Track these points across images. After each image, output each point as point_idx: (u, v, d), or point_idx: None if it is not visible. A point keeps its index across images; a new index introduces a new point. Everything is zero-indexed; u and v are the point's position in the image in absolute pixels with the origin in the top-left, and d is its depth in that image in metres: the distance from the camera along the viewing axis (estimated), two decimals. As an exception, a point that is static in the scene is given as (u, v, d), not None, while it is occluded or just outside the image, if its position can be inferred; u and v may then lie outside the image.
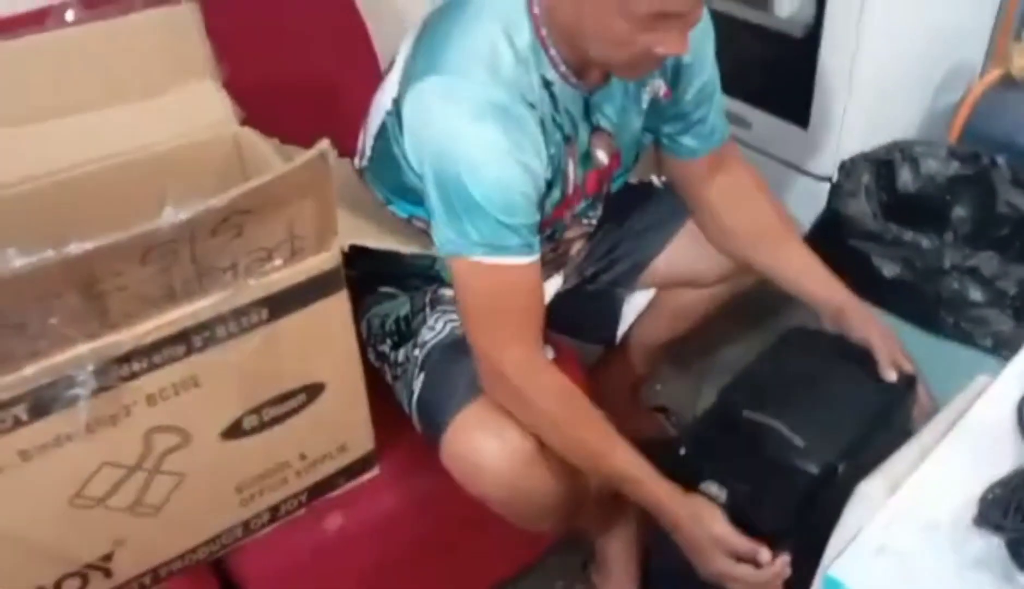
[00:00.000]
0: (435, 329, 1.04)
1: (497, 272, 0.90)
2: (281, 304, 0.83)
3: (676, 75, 1.06)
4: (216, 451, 0.86)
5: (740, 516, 0.89)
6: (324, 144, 0.77)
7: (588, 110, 1.00)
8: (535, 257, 0.92)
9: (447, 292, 1.07)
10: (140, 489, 0.83)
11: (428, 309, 1.06)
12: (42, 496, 0.79)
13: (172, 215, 0.68)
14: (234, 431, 0.87)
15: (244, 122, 1.01)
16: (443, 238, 0.91)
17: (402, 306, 1.07)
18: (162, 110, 0.99)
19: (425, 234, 1.00)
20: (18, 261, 0.63)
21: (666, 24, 0.85)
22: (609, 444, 0.93)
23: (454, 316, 1.05)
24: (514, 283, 0.92)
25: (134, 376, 0.77)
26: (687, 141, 1.12)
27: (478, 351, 0.93)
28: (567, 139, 0.98)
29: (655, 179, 1.25)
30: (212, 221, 0.71)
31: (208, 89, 1.01)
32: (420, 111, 0.89)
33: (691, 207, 1.18)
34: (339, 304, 0.88)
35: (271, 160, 0.94)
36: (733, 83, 1.67)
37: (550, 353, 1.11)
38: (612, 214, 1.20)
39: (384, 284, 1.10)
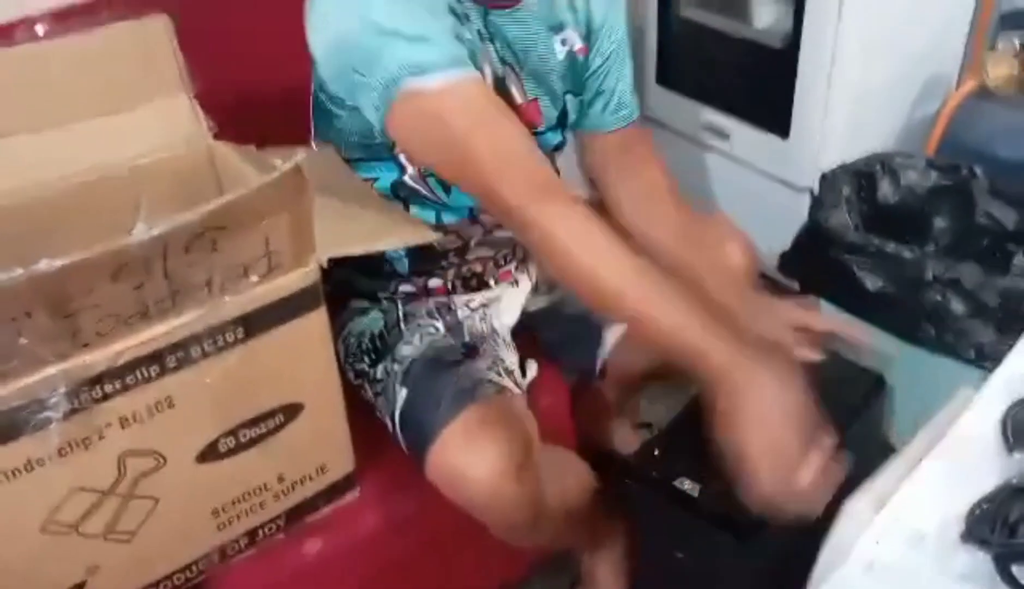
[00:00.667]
0: (412, 343, 1.04)
1: (443, 98, 0.85)
2: (258, 322, 0.81)
3: (588, 30, 1.07)
4: (192, 474, 0.84)
5: (714, 510, 0.91)
6: (299, 156, 0.76)
7: (490, 30, 0.99)
8: (474, 72, 0.89)
9: (420, 307, 1.07)
10: (114, 514, 0.81)
11: (403, 324, 1.06)
12: (13, 522, 0.77)
13: (144, 231, 0.66)
14: (210, 453, 0.85)
15: (217, 135, 1.00)
16: (369, 102, 0.87)
17: (375, 322, 1.07)
18: (135, 124, 0.97)
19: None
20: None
21: None
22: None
23: (431, 329, 1.05)
24: (477, 112, 0.87)
25: (107, 397, 0.75)
26: (595, 111, 1.12)
27: (503, 210, 0.86)
28: (480, 37, 0.98)
29: None
30: (185, 236, 0.70)
31: (181, 102, 0.99)
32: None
33: (604, 202, 1.15)
34: (317, 321, 0.86)
35: (246, 173, 0.93)
36: (712, 94, 1.70)
37: (533, 369, 1.10)
38: None
39: (355, 296, 1.09)
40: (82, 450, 0.76)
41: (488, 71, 0.99)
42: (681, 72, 1.72)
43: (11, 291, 0.64)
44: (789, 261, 1.31)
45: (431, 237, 0.94)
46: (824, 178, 1.31)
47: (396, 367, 1.02)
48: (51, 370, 0.71)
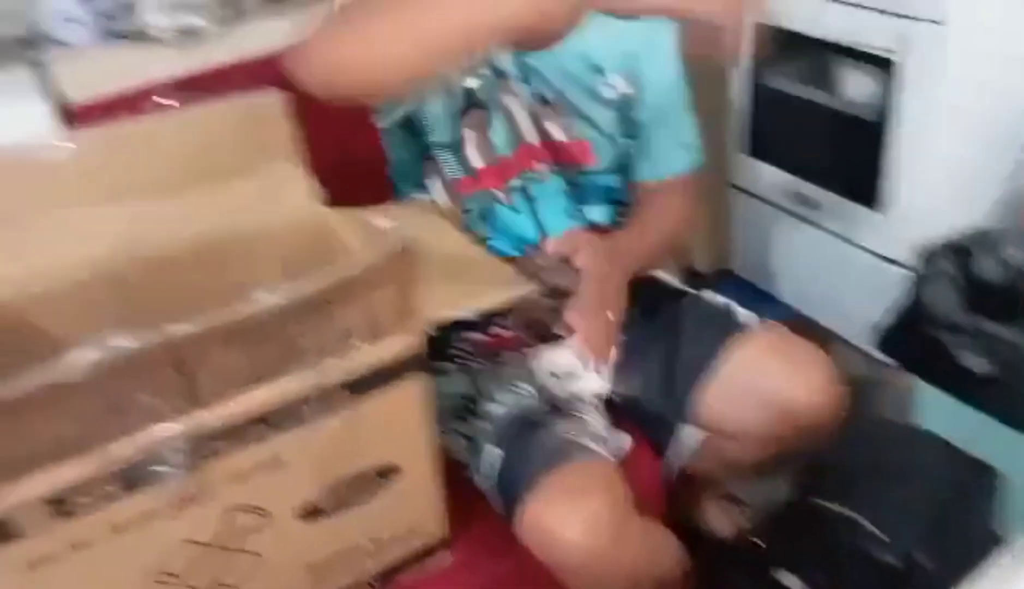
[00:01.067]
0: (500, 402, 1.05)
1: None
2: (362, 386, 0.83)
3: (633, 76, 1.11)
4: (292, 531, 0.86)
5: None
6: (405, 229, 0.79)
7: (523, 70, 1.07)
8: None
9: (502, 369, 1.10)
10: (218, 567, 0.84)
11: (490, 384, 1.08)
12: (123, 572, 0.79)
13: (266, 298, 0.70)
14: (310, 511, 0.87)
15: (327, 202, 1.04)
16: None
17: (459, 383, 1.09)
18: (246, 192, 1.02)
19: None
20: (119, 342, 0.65)
21: None
22: None
23: (517, 390, 1.07)
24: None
25: (219, 454, 0.78)
26: (636, 159, 1.17)
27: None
28: (501, 74, 1.07)
29: (685, 287, 1.24)
30: (302, 305, 0.73)
31: (292, 170, 1.04)
32: None
33: None
34: (419, 386, 0.88)
35: (355, 242, 0.96)
36: (802, 164, 1.69)
37: (626, 442, 1.10)
38: (642, 318, 1.18)
39: (435, 357, 1.11)
40: (192, 504, 0.79)
41: (512, 105, 1.08)
42: (770, 142, 1.73)
43: (143, 354, 0.67)
44: (889, 340, 1.29)
45: (528, 289, 0.97)
46: (923, 254, 1.29)
47: (488, 426, 1.03)
48: (171, 427, 0.74)
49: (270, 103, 1.03)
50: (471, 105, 1.11)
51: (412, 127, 1.14)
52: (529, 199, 1.16)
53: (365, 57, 0.86)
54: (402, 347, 0.85)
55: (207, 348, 0.71)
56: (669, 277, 1.27)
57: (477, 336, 1.13)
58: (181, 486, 0.77)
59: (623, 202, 1.22)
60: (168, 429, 0.74)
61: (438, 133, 1.13)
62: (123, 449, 0.73)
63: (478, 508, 1.00)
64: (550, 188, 1.16)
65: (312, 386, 0.80)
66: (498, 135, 1.12)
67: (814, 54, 1.61)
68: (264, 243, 1.02)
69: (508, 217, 1.16)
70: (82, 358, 0.64)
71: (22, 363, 0.92)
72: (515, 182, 1.15)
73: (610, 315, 1.09)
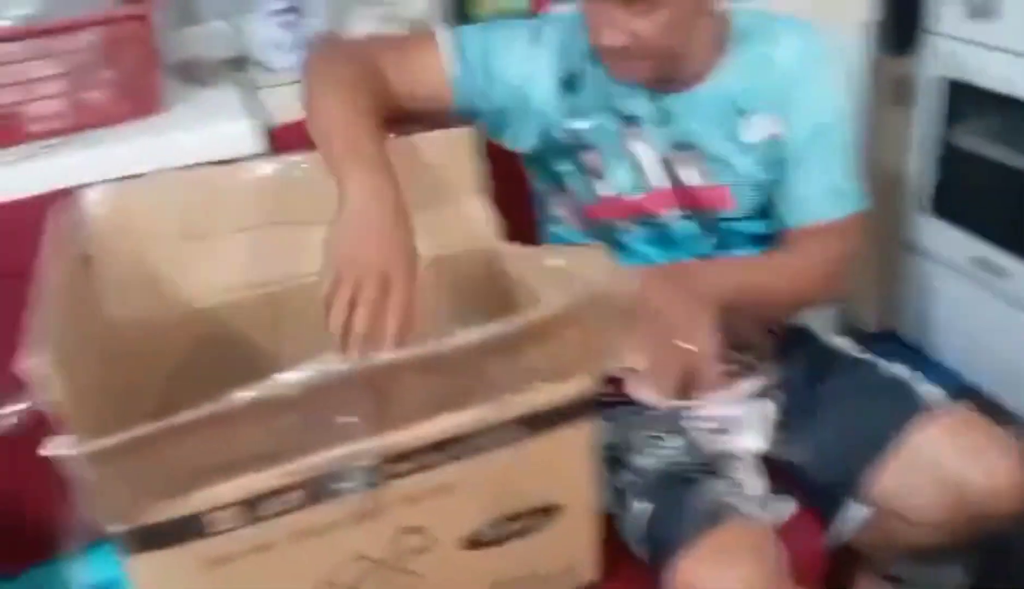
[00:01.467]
0: (648, 455, 1.04)
1: None
2: (539, 424, 0.84)
3: (783, 114, 1.06)
4: (454, 557, 0.88)
5: None
6: (600, 277, 0.80)
7: (661, 114, 1.06)
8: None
9: (650, 420, 1.07)
10: (382, 584, 0.86)
11: (637, 435, 1.06)
12: (298, 578, 0.83)
13: (466, 335, 0.72)
14: (473, 541, 0.88)
15: (504, 236, 1.06)
16: None
17: (605, 431, 1.06)
18: (431, 223, 1.05)
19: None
20: (329, 364, 0.69)
21: (598, 7, 0.95)
22: None
23: (666, 443, 1.05)
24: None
25: (399, 476, 0.81)
26: (779, 201, 1.10)
27: None
28: (631, 121, 1.06)
29: (858, 353, 1.17)
30: (498, 344, 0.75)
31: (476, 204, 1.07)
32: None
33: None
34: (589, 428, 0.89)
35: (528, 278, 0.98)
36: (989, 227, 1.60)
37: (788, 507, 1.06)
38: (810, 379, 1.13)
39: None
40: (368, 521, 0.82)
41: (639, 151, 1.06)
42: (954, 203, 1.64)
43: (348, 377, 0.71)
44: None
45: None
46: None
47: (637, 479, 1.02)
48: (358, 446, 0.78)
49: (461, 136, 1.07)
50: (582, 146, 1.10)
51: (542, 157, 1.15)
52: (656, 237, 1.14)
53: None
54: (580, 390, 0.85)
55: (405, 376, 0.74)
56: (840, 339, 1.22)
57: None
58: (361, 502, 0.80)
59: (772, 245, 1.15)
60: (356, 448, 0.77)
61: (560, 163, 1.13)
62: (313, 462, 0.77)
63: (623, 555, 0.99)
64: (680, 230, 1.12)
65: (491, 420, 0.82)
66: (622, 180, 1.10)
67: (1008, 113, 1.53)
68: (437, 271, 1.06)
69: (634, 251, 1.14)
70: (295, 378, 0.68)
71: (218, 367, 0.99)
72: (641, 220, 1.13)
73: (684, 344, 0.91)
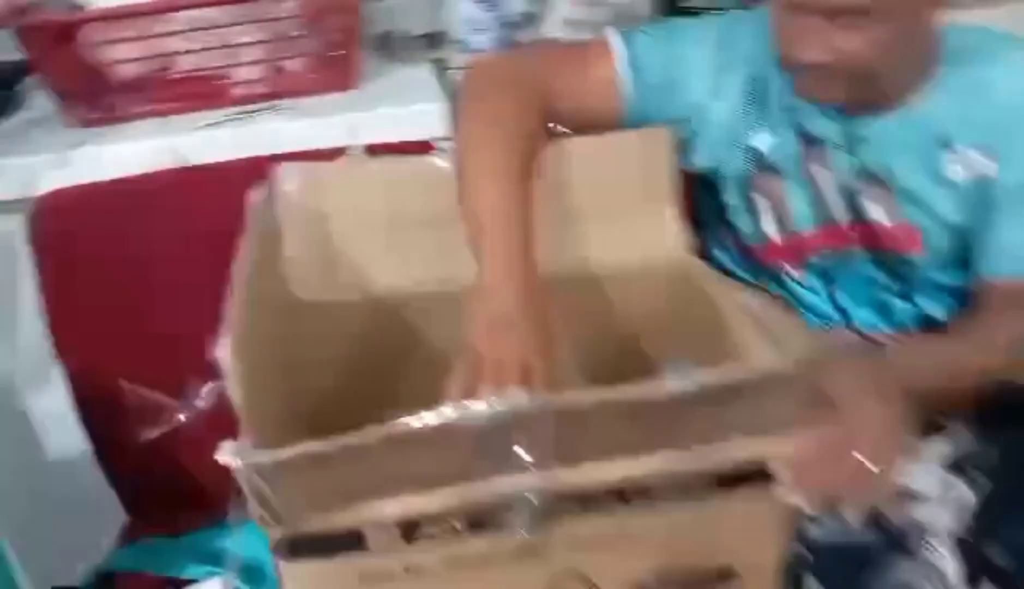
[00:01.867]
0: (823, 524, 0.90)
1: None
2: (729, 482, 0.76)
3: (995, 151, 0.91)
4: (615, 610, 0.81)
5: None
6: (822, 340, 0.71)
7: (850, 138, 0.94)
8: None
9: None
10: (532, 628, 0.80)
11: None
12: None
13: (676, 384, 0.64)
14: (636, 596, 0.81)
15: (695, 250, 0.98)
16: None
17: None
18: (615, 231, 0.99)
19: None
20: (522, 399, 0.63)
21: (797, 18, 0.84)
22: None
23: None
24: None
25: (566, 516, 0.74)
26: (977, 247, 0.95)
27: None
28: (806, 137, 0.96)
29: None
30: (707, 395, 0.66)
31: (667, 212, 0.99)
32: None
33: None
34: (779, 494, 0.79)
35: (723, 302, 0.90)
36: None
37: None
38: (1016, 465, 0.96)
39: None
40: (527, 558, 0.76)
41: (820, 177, 0.96)
42: None
43: (538, 413, 0.65)
44: None
45: None
46: None
47: (804, 553, 0.91)
48: (528, 479, 0.71)
49: (659, 138, 0.98)
50: (761, 168, 1.00)
51: (710, 184, 1.05)
52: (828, 280, 1.03)
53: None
54: (778, 449, 0.76)
55: (598, 419, 0.67)
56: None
57: None
58: (522, 539, 0.74)
59: (965, 297, 1.00)
60: (526, 481, 0.71)
61: (730, 193, 1.04)
62: (479, 490, 0.71)
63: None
64: (856, 272, 1.01)
65: (679, 471, 0.74)
66: (798, 207, 1.00)
67: None
68: (622, 282, 0.99)
69: (801, 296, 1.04)
70: (481, 409, 0.63)
71: (391, 358, 0.96)
72: (813, 259, 1.02)
73: (862, 458, 0.75)
